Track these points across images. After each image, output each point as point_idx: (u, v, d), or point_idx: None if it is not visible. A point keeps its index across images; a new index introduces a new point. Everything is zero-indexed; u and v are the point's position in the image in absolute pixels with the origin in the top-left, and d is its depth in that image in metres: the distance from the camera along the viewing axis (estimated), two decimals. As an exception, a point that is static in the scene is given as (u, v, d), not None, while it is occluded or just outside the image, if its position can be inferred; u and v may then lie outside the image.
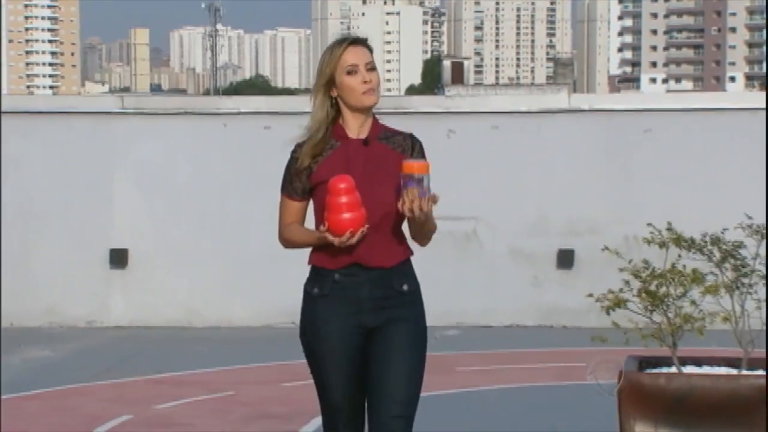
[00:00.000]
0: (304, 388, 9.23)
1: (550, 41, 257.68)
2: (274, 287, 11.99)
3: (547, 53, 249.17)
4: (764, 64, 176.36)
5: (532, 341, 10.98)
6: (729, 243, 5.80)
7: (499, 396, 8.94)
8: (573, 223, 11.69)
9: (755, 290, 5.68)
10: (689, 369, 5.75)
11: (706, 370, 5.78)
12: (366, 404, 4.69)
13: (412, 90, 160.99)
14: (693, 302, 5.70)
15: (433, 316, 12.69)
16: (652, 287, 5.81)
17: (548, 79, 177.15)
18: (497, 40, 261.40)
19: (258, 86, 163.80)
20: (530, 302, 11.76)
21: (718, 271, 5.76)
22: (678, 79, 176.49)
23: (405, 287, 4.66)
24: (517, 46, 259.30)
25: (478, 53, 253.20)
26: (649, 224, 6.19)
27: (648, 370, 5.77)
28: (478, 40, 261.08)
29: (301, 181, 4.64)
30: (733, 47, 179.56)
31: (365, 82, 4.58)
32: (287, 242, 4.80)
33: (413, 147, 4.68)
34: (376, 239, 4.57)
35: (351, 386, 4.68)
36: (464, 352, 10.54)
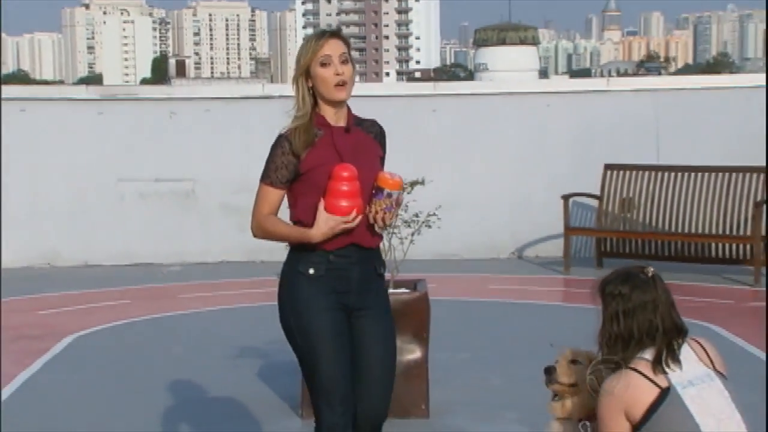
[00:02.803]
0: (56, 316, 8.93)
1: (252, 45, 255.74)
2: (32, 235, 11.53)
3: (250, 54, 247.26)
4: (410, 63, 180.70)
5: (239, 273, 10.93)
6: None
7: (216, 315, 8.88)
8: (268, 182, 11.66)
9: (399, 231, 5.80)
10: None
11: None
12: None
13: (145, 81, 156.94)
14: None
15: (160, 256, 12.51)
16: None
17: (251, 74, 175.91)
18: (211, 43, 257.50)
19: (19, 78, 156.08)
20: (237, 243, 11.67)
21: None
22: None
23: (381, 270, 3.90)
24: (227, 48, 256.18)
25: (197, 53, 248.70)
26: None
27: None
28: (197, 43, 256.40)
29: (288, 169, 3.78)
30: (387, 50, 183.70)
31: (337, 74, 3.75)
32: (264, 233, 3.88)
33: (381, 132, 3.95)
34: (365, 220, 3.76)
35: (344, 361, 3.79)
36: (186, 283, 10.39)
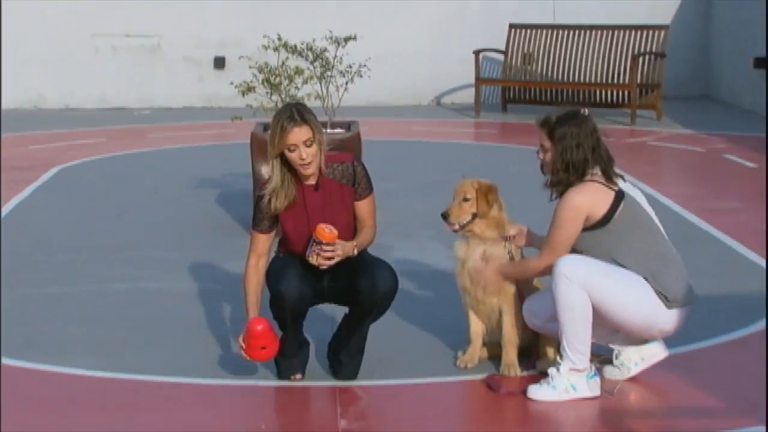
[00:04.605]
0: (42, 150, 8.76)
1: None
2: (20, 81, 11.19)
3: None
4: None
5: (200, 117, 10.77)
6: (318, 49, 5.79)
7: (180, 152, 8.80)
8: (224, 38, 11.36)
9: (334, 79, 5.73)
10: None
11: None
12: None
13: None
14: (296, 87, 5.70)
15: (131, 101, 12.23)
16: (272, 78, 5.75)
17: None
18: None
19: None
20: (197, 92, 11.48)
21: (312, 66, 5.76)
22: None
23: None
24: None
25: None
26: (265, 36, 6.09)
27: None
28: None
29: (270, 220, 3.77)
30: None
31: (302, 158, 3.66)
32: (243, 284, 3.82)
33: (355, 175, 3.78)
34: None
35: (304, 286, 3.71)
36: (155, 125, 10.22)
